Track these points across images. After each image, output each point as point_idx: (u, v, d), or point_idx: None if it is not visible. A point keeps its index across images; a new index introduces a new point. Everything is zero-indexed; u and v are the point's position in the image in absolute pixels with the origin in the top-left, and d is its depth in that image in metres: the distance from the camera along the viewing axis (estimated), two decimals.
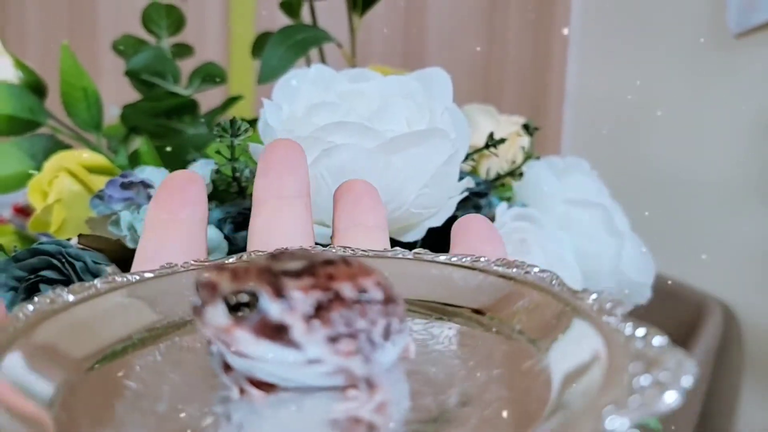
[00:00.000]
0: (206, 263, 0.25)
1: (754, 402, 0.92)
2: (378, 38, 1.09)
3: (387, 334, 0.17)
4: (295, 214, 0.28)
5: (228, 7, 1.10)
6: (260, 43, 0.64)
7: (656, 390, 0.13)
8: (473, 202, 0.44)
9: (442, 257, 0.25)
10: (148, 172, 0.38)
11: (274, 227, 0.28)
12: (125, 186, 0.36)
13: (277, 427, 0.16)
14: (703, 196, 0.96)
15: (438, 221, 0.36)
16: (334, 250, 0.26)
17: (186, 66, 0.61)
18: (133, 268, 0.25)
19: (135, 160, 0.53)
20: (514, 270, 0.22)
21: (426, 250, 0.25)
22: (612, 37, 1.15)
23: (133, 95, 0.57)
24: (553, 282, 0.21)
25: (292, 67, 0.54)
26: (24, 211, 0.69)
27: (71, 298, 0.20)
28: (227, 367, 0.18)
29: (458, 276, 0.24)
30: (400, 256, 0.25)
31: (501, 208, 0.43)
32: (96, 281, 0.21)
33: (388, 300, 0.18)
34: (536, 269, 0.22)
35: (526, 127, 0.47)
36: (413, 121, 0.36)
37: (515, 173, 0.48)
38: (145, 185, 0.37)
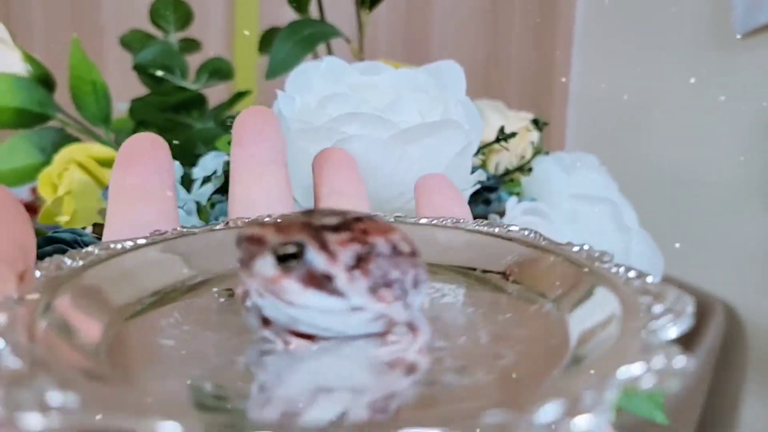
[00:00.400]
0: (197, 229, 0.25)
1: (756, 401, 0.92)
2: (382, 36, 1.09)
3: (415, 283, 0.19)
4: (274, 181, 0.28)
5: (232, 1, 1.10)
6: (267, 39, 0.64)
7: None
8: (483, 196, 0.44)
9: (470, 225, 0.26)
10: None
11: (254, 194, 0.28)
12: None
13: (335, 371, 0.17)
14: (706, 196, 0.96)
15: None
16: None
17: (190, 61, 0.61)
18: (106, 237, 0.24)
19: None
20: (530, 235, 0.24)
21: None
22: (615, 37, 1.15)
23: (136, 91, 0.57)
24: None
25: (301, 62, 0.54)
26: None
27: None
28: (266, 322, 0.18)
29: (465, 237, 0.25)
30: (418, 221, 0.27)
31: (511, 203, 0.43)
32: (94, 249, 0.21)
33: (413, 253, 0.19)
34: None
35: (535, 122, 0.47)
36: (426, 113, 0.36)
37: (524, 168, 0.48)
38: None
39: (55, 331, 0.16)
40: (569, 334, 0.18)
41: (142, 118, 0.55)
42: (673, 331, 0.15)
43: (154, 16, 0.60)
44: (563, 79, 1.22)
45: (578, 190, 0.47)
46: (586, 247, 0.22)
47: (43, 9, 1.04)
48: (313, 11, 0.61)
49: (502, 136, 0.42)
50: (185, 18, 0.62)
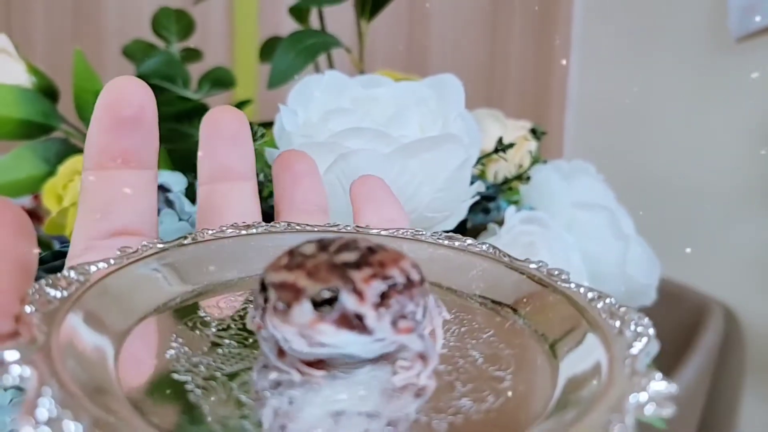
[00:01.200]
0: (166, 244, 0.24)
1: (755, 404, 0.92)
2: (381, 45, 1.10)
3: (424, 312, 0.20)
4: (245, 194, 0.28)
5: (231, 11, 1.10)
6: (268, 48, 0.65)
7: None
8: (482, 205, 0.45)
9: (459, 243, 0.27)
10: (166, 177, 0.38)
11: (224, 207, 0.27)
12: None
13: (355, 397, 0.18)
14: (705, 200, 0.97)
15: (451, 224, 0.37)
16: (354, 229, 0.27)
17: (191, 70, 0.61)
18: (78, 221, 0.24)
19: None
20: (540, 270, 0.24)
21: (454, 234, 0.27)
22: (614, 42, 1.16)
23: None
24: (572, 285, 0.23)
25: (302, 71, 0.55)
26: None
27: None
28: (281, 353, 0.19)
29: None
30: (380, 233, 0.27)
31: (510, 212, 0.44)
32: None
33: (422, 281, 0.20)
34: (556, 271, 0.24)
35: (533, 131, 0.47)
36: (426, 126, 0.36)
37: (523, 177, 0.48)
38: (163, 189, 0.37)
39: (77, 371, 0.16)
40: (558, 377, 0.19)
41: None
42: (649, 358, 0.17)
43: (157, 26, 0.61)
44: (563, 61, 1.22)
45: (577, 198, 0.47)
46: (543, 265, 0.24)
47: (44, 18, 1.05)
48: (314, 21, 0.62)
49: (501, 147, 0.43)
50: (187, 28, 0.62)
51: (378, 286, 0.18)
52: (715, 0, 0.93)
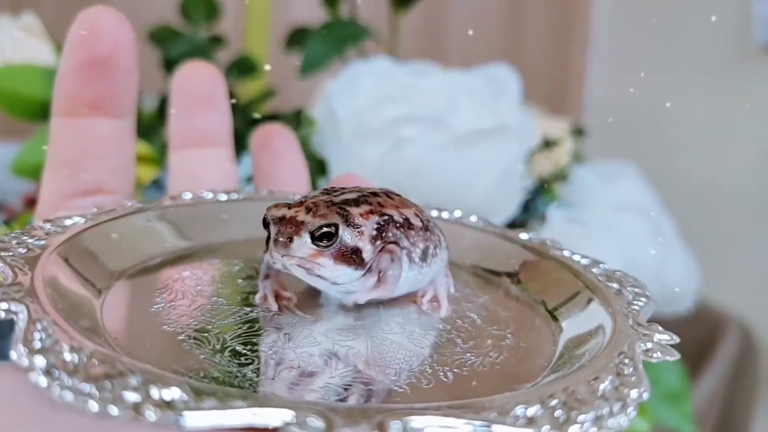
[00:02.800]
0: (146, 204, 0.24)
1: None
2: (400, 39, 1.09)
3: (425, 256, 0.21)
4: (220, 160, 0.26)
5: (244, 0, 1.09)
6: (296, 37, 0.64)
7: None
8: (523, 202, 0.44)
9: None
10: None
11: (197, 171, 0.25)
12: None
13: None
14: (724, 212, 0.96)
15: (501, 218, 0.36)
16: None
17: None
18: (46, 174, 0.22)
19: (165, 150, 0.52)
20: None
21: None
22: (634, 47, 1.15)
23: (149, 84, 0.56)
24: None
25: (333, 61, 0.54)
26: (34, 202, 0.68)
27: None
28: (266, 276, 0.21)
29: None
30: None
31: (552, 210, 0.43)
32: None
33: (426, 228, 0.21)
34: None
35: (575, 131, 0.46)
36: (478, 118, 0.35)
37: (561, 176, 0.47)
38: None
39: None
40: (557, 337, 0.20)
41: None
42: (647, 317, 0.18)
43: (185, 12, 0.59)
44: (582, 65, 1.21)
45: (617, 200, 0.46)
46: (535, 236, 0.25)
47: (57, 3, 1.03)
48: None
49: (546, 144, 0.42)
50: (213, 14, 0.61)
51: (374, 220, 0.19)
52: (740, 9, 0.92)
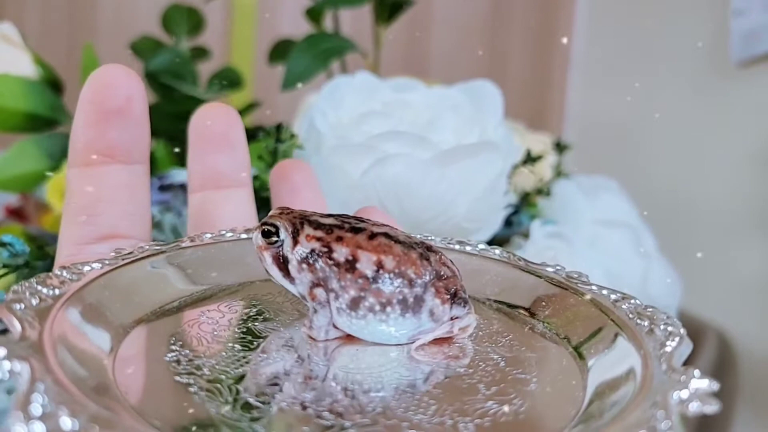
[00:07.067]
0: (163, 246, 0.24)
1: (747, 428, 0.92)
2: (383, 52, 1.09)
3: (354, 306, 0.20)
4: (241, 199, 0.26)
5: (230, 10, 1.09)
6: (280, 50, 0.63)
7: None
8: (506, 218, 0.44)
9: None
10: (185, 175, 0.36)
11: (219, 211, 0.26)
12: (163, 188, 0.35)
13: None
14: (702, 224, 0.97)
15: (485, 235, 0.36)
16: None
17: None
18: (64, 223, 0.23)
19: (152, 161, 0.51)
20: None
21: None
22: (614, 59, 1.16)
23: None
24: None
25: (317, 74, 0.54)
26: (16, 213, 0.67)
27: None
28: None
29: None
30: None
31: (535, 226, 0.43)
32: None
33: (375, 280, 0.19)
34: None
35: (557, 145, 0.46)
36: (462, 134, 0.35)
37: (543, 190, 0.47)
38: (183, 188, 0.36)
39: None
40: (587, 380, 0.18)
41: (152, 126, 0.54)
42: (683, 357, 0.17)
43: (167, 23, 0.59)
44: (564, 40, 1.22)
45: (599, 215, 0.46)
46: (561, 269, 0.23)
47: (38, 18, 1.02)
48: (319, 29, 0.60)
49: (529, 159, 0.42)
50: (197, 25, 0.61)
51: (313, 246, 0.20)
52: (718, 26, 0.93)
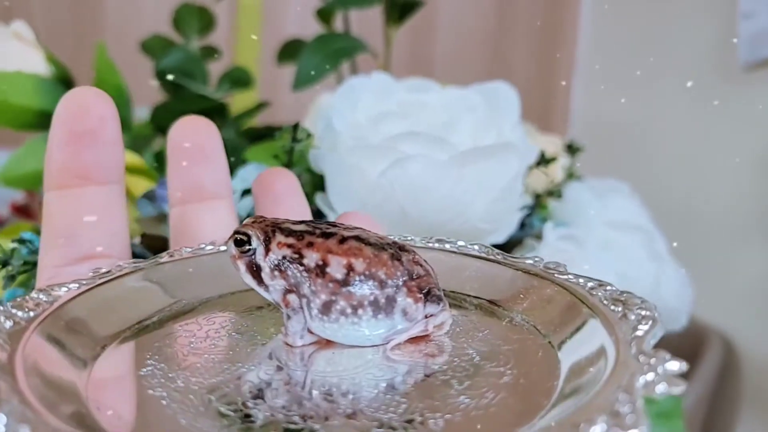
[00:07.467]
0: (141, 263, 0.24)
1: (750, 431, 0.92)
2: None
3: (326, 310, 0.20)
4: (222, 212, 0.27)
5: (236, 9, 1.09)
6: (289, 50, 0.63)
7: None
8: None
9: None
10: None
11: (200, 224, 0.26)
12: None
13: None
14: (706, 227, 0.97)
15: (501, 237, 0.36)
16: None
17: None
18: (42, 247, 0.23)
19: (161, 161, 0.51)
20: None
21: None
22: (619, 64, 1.16)
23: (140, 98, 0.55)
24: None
25: (327, 75, 0.54)
26: (22, 210, 0.67)
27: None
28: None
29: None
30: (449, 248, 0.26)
31: (548, 228, 0.43)
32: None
33: (346, 283, 0.20)
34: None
35: (569, 147, 0.46)
36: (479, 135, 0.35)
37: (554, 193, 0.47)
38: None
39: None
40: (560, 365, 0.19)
41: (163, 125, 0.54)
42: (655, 340, 0.17)
43: (178, 22, 0.59)
44: (564, 82, 1.23)
45: (611, 218, 0.46)
46: (539, 260, 0.24)
47: (44, 11, 1.02)
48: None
49: (543, 161, 0.42)
50: (207, 25, 0.61)
51: (282, 252, 0.20)
52: (725, 28, 0.93)
